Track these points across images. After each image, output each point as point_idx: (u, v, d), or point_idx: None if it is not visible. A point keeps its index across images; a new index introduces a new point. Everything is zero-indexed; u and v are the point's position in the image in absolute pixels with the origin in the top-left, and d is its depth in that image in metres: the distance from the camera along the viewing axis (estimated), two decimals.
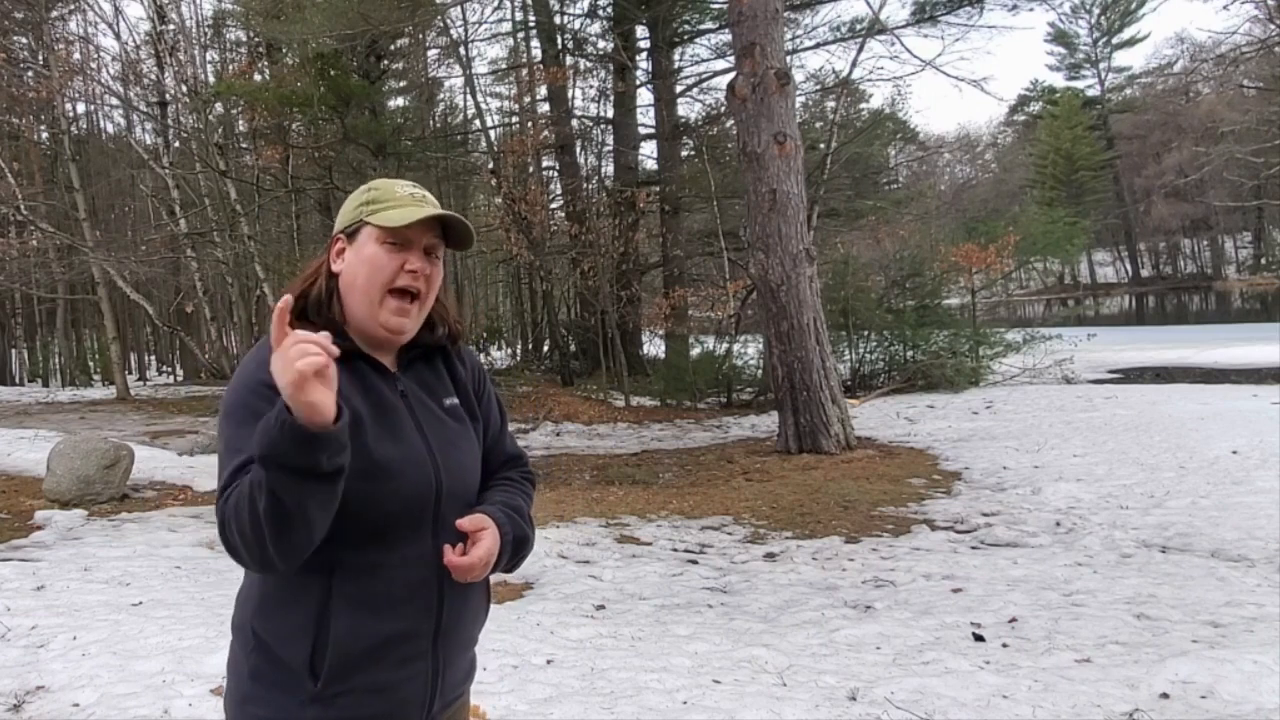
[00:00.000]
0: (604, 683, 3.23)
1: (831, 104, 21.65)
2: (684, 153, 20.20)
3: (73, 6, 24.78)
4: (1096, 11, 55.61)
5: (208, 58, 24.58)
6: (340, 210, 1.36)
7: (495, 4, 20.38)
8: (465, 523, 1.26)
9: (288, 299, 1.10)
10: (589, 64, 21.47)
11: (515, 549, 1.33)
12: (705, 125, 20.10)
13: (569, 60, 20.75)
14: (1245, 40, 20.52)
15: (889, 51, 28.39)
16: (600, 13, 20.32)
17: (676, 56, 20.29)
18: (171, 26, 19.35)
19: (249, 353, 1.28)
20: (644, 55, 19.92)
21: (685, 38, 20.13)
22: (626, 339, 17.70)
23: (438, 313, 1.39)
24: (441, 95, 27.59)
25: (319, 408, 1.02)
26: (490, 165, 19.44)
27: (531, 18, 20.86)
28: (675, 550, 5.83)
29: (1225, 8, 20.55)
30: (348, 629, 1.20)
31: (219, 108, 20.89)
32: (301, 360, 1.00)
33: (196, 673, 3.21)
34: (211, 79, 22.51)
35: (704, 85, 20.44)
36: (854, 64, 16.82)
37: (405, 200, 1.29)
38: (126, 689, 3.09)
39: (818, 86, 22.13)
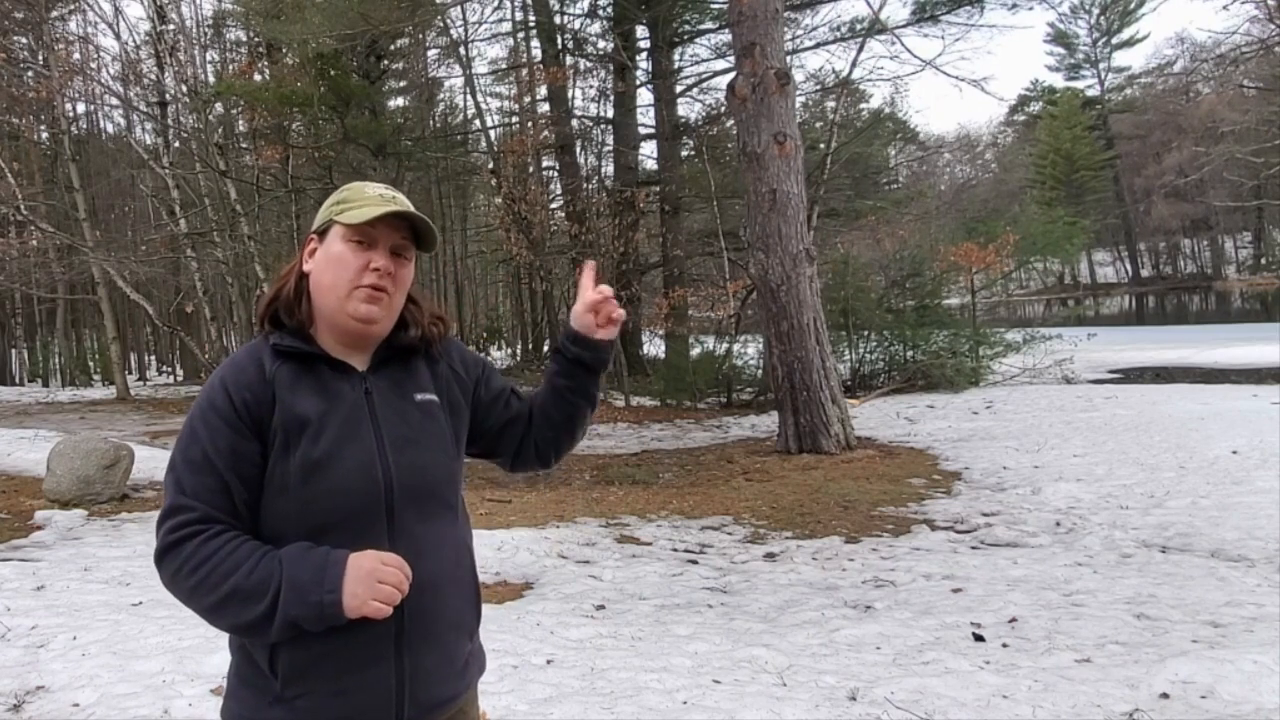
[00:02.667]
0: (604, 683, 3.23)
1: (831, 104, 21.67)
2: (684, 153, 20.20)
3: (73, 6, 24.80)
4: (1096, 12, 55.63)
5: (208, 58, 24.61)
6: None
7: (495, 4, 20.45)
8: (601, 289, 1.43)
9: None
10: (589, 64, 21.52)
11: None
12: (705, 125, 20.11)
13: (569, 60, 20.77)
14: (1245, 40, 20.55)
15: (889, 51, 28.46)
16: (600, 13, 20.33)
17: (676, 56, 20.32)
18: (171, 26, 19.34)
19: (225, 360, 1.32)
20: (644, 55, 19.93)
21: (685, 38, 20.13)
22: (626, 339, 17.71)
23: (411, 314, 1.38)
24: (441, 95, 27.66)
25: (352, 612, 1.17)
26: (490, 165, 19.46)
27: (531, 18, 20.88)
28: (675, 550, 5.83)
29: (1225, 8, 20.59)
30: (296, 636, 1.21)
31: (219, 108, 20.91)
32: (386, 595, 1.18)
33: (196, 673, 3.21)
34: (211, 79, 22.52)
35: (704, 85, 20.49)
36: (854, 64, 16.85)
37: (373, 200, 1.31)
38: (126, 689, 3.09)
39: (818, 86, 22.17)
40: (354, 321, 1.30)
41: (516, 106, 24.46)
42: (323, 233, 1.34)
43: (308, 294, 1.33)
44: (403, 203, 1.32)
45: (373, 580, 1.17)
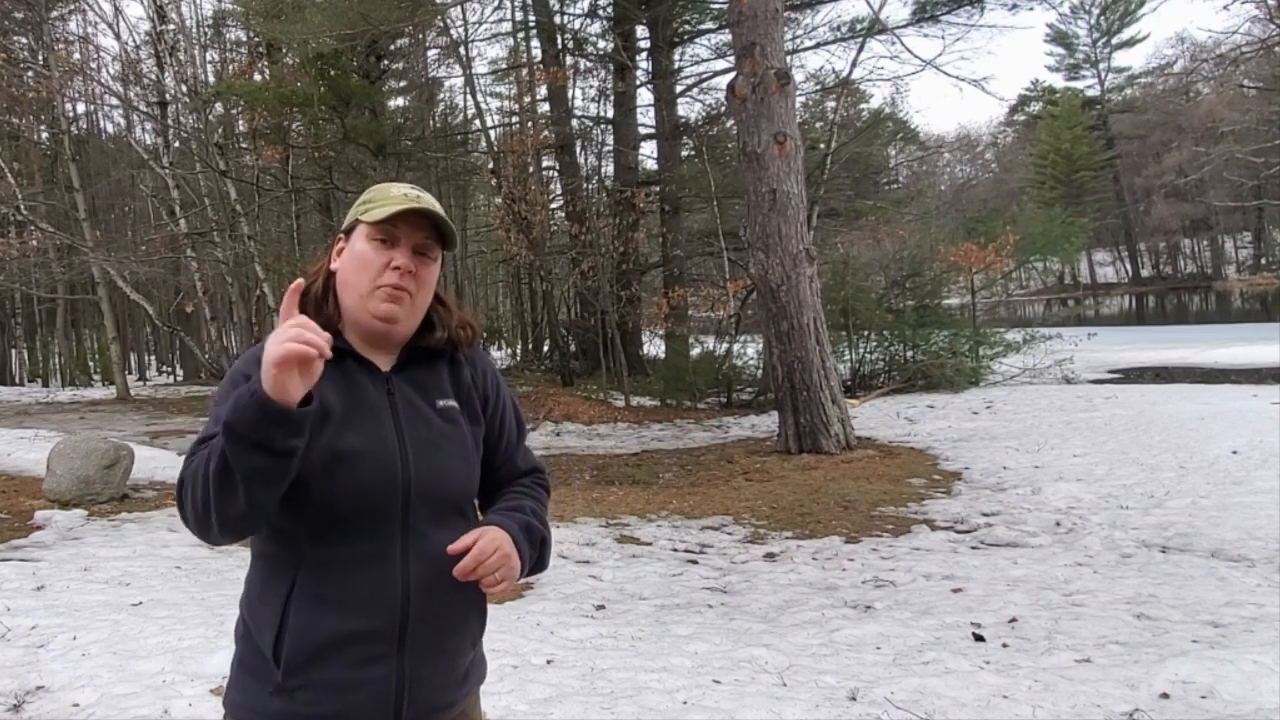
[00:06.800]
0: (604, 683, 3.23)
1: (831, 104, 21.67)
2: (684, 153, 20.19)
3: (73, 6, 24.79)
4: (1096, 12, 55.62)
5: (208, 58, 24.61)
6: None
7: (495, 4, 20.42)
8: (455, 546, 1.23)
9: (300, 281, 1.17)
10: (589, 64, 21.49)
11: (528, 533, 1.32)
12: (705, 125, 20.09)
13: (569, 60, 20.76)
14: (1245, 40, 20.54)
15: (889, 51, 28.50)
16: (600, 13, 20.33)
17: (676, 56, 20.30)
18: (171, 26, 19.34)
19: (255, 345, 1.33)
20: (644, 55, 19.92)
21: (685, 38, 20.12)
22: (626, 339, 17.69)
23: (439, 316, 1.39)
24: (441, 95, 27.62)
25: (288, 389, 1.07)
26: (490, 165, 19.44)
27: (531, 18, 20.86)
28: (675, 550, 5.83)
29: (1225, 8, 20.59)
30: (303, 623, 1.22)
31: (219, 108, 20.88)
32: (293, 344, 1.05)
33: (196, 673, 3.21)
34: (211, 79, 22.52)
35: (704, 85, 20.47)
36: (854, 64, 16.86)
37: (397, 200, 1.31)
38: (126, 689, 3.09)
39: (818, 86, 22.15)
40: (375, 320, 1.31)
41: (516, 106, 24.47)
42: (350, 232, 1.36)
43: (334, 292, 1.35)
44: (427, 202, 1.32)
45: (282, 338, 1.07)
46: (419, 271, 1.32)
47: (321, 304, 1.34)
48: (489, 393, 1.42)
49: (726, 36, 17.30)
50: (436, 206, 1.33)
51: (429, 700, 1.30)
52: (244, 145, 22.18)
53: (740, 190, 11.87)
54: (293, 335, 1.06)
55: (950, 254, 15.72)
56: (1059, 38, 57.12)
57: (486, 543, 1.24)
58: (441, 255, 1.38)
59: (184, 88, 19.21)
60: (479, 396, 1.40)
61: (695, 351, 16.98)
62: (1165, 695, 2.95)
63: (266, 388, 1.06)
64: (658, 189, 19.15)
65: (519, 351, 27.12)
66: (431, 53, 25.20)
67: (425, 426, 1.31)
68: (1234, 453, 7.35)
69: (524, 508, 1.37)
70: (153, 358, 35.57)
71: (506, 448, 1.44)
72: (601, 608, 4.50)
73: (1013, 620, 4.00)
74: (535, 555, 1.35)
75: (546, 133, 20.07)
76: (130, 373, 25.79)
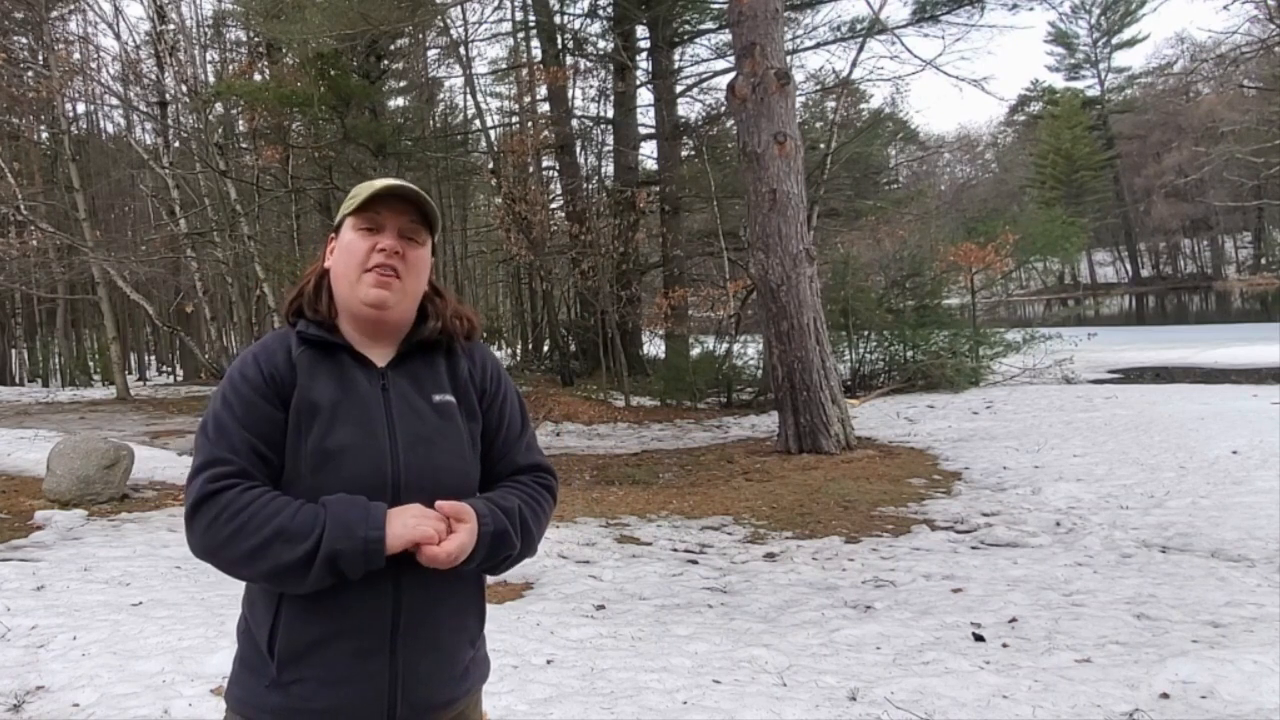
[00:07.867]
0: (604, 683, 3.23)
1: (831, 104, 21.65)
2: (684, 153, 20.18)
3: (73, 6, 24.77)
4: (1096, 12, 55.62)
5: (208, 58, 24.61)
6: None
7: (495, 4, 20.42)
8: (446, 505, 1.24)
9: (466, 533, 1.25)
10: (589, 64, 21.49)
11: (493, 546, 1.27)
12: (705, 125, 20.09)
13: (569, 60, 20.75)
14: (1245, 40, 20.53)
15: (889, 51, 28.58)
16: (600, 13, 20.33)
17: (676, 56, 20.29)
18: (171, 26, 19.34)
19: (248, 347, 1.35)
20: (644, 55, 19.91)
21: (685, 38, 20.12)
22: (626, 339, 17.70)
23: (433, 306, 1.39)
24: (441, 95, 27.65)
25: (394, 550, 1.20)
26: (490, 165, 19.45)
27: (531, 18, 20.86)
28: (675, 550, 5.83)
29: (1225, 8, 20.59)
30: (295, 619, 1.24)
31: (219, 108, 20.88)
32: (430, 532, 1.21)
33: (196, 673, 3.21)
34: (211, 79, 22.52)
35: (704, 85, 20.46)
36: (854, 64, 16.84)
37: (378, 189, 1.33)
38: (126, 689, 3.09)
39: (818, 86, 22.13)
40: (366, 308, 1.31)
41: (516, 106, 24.48)
42: (338, 228, 1.38)
43: (329, 288, 1.36)
44: (408, 186, 1.34)
45: (415, 519, 1.21)
46: (406, 254, 1.32)
47: (316, 301, 1.35)
48: (487, 385, 1.41)
49: (726, 36, 17.30)
50: (417, 190, 1.34)
51: (425, 696, 1.30)
52: (244, 145, 22.18)
53: (740, 190, 11.86)
54: (436, 526, 1.22)
55: (950, 254, 15.72)
56: (1059, 38, 57.15)
57: (455, 545, 1.22)
58: (431, 242, 1.38)
59: (184, 88, 19.21)
60: (476, 390, 1.39)
61: (695, 351, 16.99)
62: (1165, 695, 2.95)
63: (389, 543, 1.19)
64: (658, 189, 19.14)
65: (519, 351, 27.11)
66: (431, 53, 25.25)
67: (418, 422, 1.31)
68: (1234, 453, 7.34)
69: (513, 511, 1.32)
70: (153, 358, 35.57)
71: (505, 440, 1.42)
72: (601, 608, 4.50)
73: (1013, 620, 4.00)
74: (489, 563, 1.30)
75: (546, 133, 20.07)
76: (130, 373, 25.80)
